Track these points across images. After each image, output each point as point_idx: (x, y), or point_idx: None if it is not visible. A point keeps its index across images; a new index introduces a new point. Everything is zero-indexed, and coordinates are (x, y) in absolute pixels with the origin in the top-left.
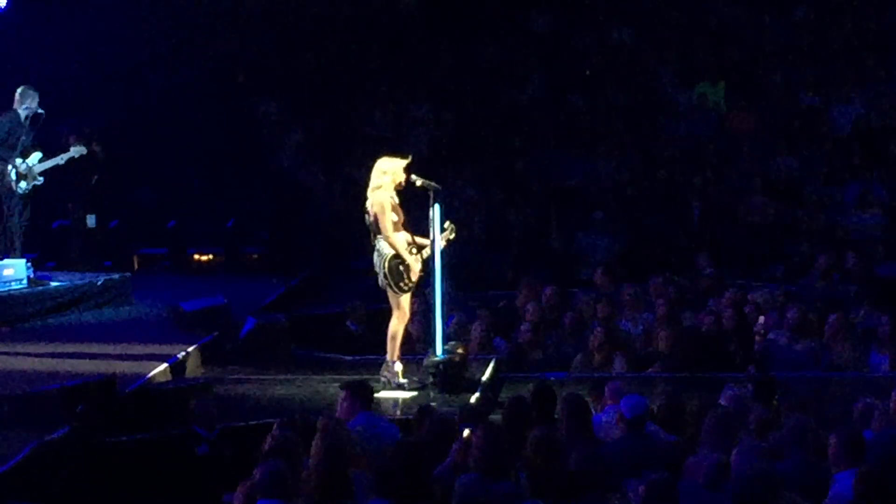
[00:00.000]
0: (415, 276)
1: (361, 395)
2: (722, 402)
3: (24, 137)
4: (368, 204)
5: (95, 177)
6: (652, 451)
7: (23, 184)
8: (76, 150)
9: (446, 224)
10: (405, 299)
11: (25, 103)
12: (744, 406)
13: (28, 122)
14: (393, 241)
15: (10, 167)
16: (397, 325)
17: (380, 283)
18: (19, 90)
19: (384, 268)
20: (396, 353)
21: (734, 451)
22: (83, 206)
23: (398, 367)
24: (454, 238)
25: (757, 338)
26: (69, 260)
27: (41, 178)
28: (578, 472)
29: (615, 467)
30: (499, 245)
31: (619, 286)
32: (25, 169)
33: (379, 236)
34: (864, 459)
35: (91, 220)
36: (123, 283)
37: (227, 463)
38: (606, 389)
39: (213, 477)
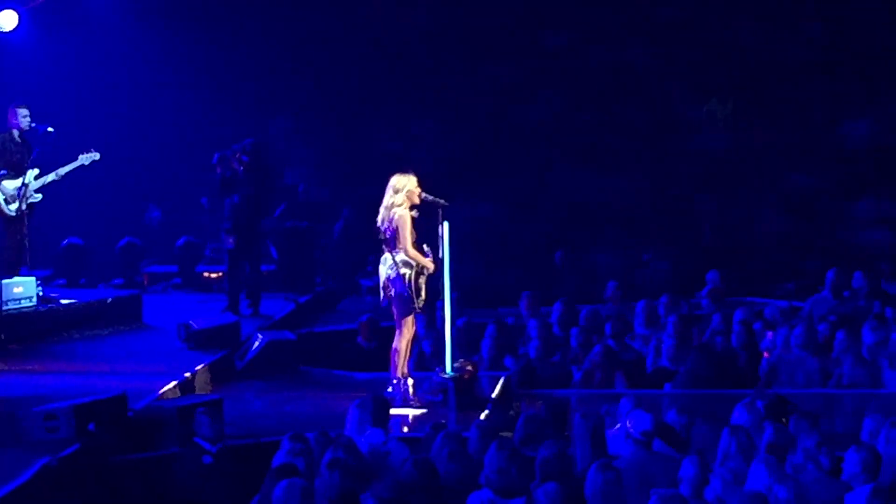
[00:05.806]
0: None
1: (375, 411)
2: (733, 421)
3: (17, 156)
4: (380, 219)
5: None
6: (660, 469)
7: (13, 205)
8: (85, 158)
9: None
10: (412, 316)
11: (15, 121)
12: (756, 424)
13: (23, 139)
14: (415, 255)
15: None
16: (402, 342)
17: (383, 298)
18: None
19: (410, 281)
20: (402, 368)
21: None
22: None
23: (406, 383)
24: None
25: (765, 354)
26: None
27: (39, 195)
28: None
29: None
30: (508, 262)
31: (631, 303)
32: (13, 190)
33: (393, 251)
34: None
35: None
36: (133, 302)
37: (235, 479)
38: (620, 406)
39: (220, 493)
